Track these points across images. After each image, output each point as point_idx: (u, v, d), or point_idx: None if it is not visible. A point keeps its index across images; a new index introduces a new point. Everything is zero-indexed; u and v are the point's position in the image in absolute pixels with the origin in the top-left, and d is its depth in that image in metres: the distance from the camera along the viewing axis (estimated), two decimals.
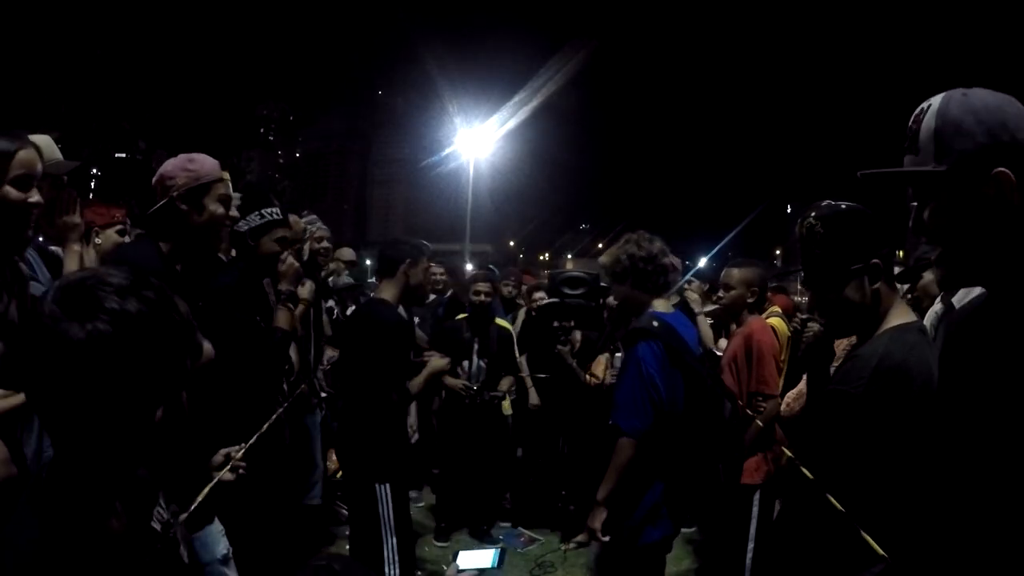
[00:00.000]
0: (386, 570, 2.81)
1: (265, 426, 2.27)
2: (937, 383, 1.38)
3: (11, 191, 1.61)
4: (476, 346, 4.55)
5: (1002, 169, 0.99)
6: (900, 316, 1.54)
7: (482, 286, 4.59)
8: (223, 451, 1.95)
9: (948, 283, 1.13)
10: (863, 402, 1.40)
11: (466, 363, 4.51)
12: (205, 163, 2.20)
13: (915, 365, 1.43)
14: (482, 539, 4.57)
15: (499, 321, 4.75)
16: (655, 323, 2.52)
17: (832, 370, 2.05)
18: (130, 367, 0.85)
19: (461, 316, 4.74)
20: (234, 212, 2.36)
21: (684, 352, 2.54)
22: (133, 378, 0.86)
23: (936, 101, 1.08)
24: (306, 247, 3.95)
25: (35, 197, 1.65)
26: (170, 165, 2.19)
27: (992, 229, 1.02)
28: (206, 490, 1.94)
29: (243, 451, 1.99)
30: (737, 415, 3.18)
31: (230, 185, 2.29)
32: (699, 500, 2.77)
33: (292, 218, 3.24)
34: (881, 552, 1.12)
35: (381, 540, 2.80)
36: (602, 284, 4.01)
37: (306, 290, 2.96)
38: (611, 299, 3.95)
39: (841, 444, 1.41)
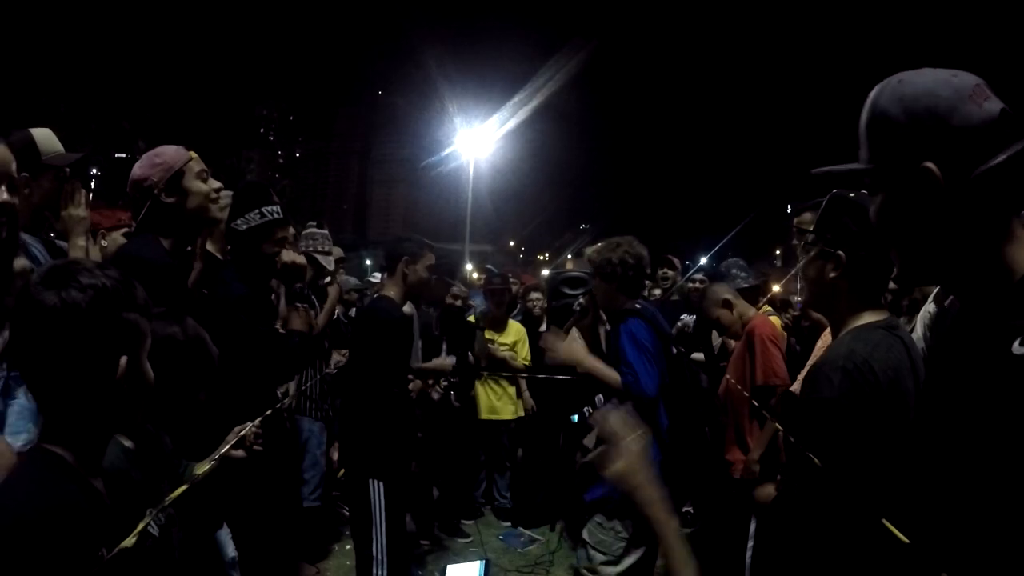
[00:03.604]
0: (374, 570, 2.75)
1: (269, 411, 2.28)
2: (921, 391, 1.37)
3: None
4: (445, 344, 4.67)
5: (926, 164, 0.91)
6: (869, 316, 1.52)
7: (458, 290, 5.00)
8: (236, 429, 1.97)
9: (902, 280, 1.12)
10: (839, 404, 1.38)
11: (435, 360, 4.52)
12: (169, 152, 2.17)
13: (879, 362, 1.40)
14: (453, 534, 4.59)
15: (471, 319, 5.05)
16: (636, 304, 2.84)
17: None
18: (97, 333, 0.99)
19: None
20: (215, 183, 2.25)
21: (663, 330, 2.83)
22: (99, 343, 1.00)
23: (873, 92, 1.00)
24: (332, 257, 3.97)
25: (3, 196, 1.60)
26: (138, 169, 2.15)
27: (929, 226, 0.95)
28: (212, 465, 1.96)
29: (257, 426, 2.01)
30: (714, 387, 3.39)
31: (200, 160, 2.23)
32: (694, 476, 2.97)
33: None
34: (903, 538, 1.11)
35: (371, 538, 2.75)
36: None
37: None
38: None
39: (829, 451, 1.39)
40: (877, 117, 0.97)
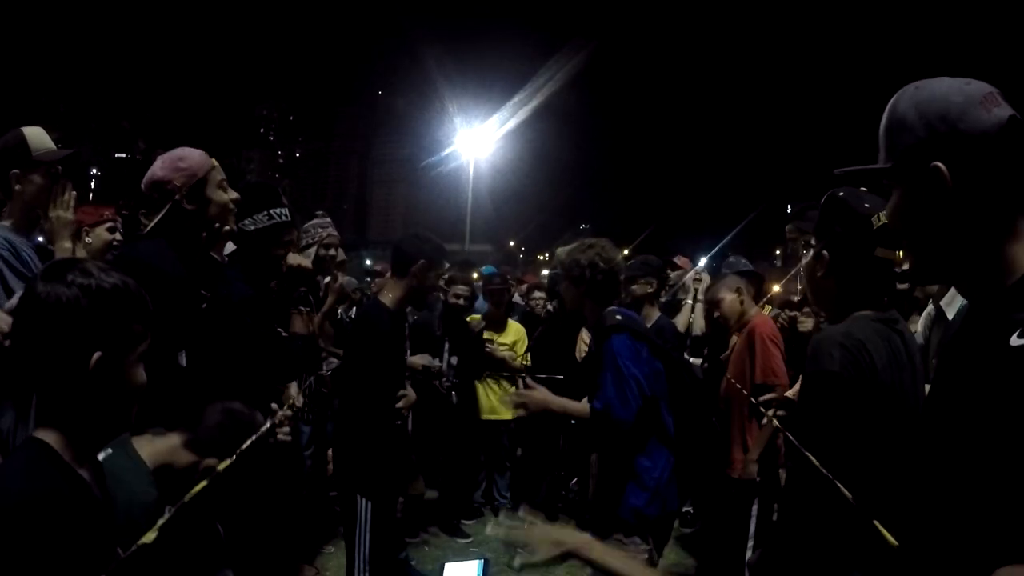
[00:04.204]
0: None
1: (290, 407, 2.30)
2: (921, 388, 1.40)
3: None
4: (447, 344, 4.59)
5: (935, 163, 0.96)
6: (864, 313, 1.55)
7: (461, 289, 4.63)
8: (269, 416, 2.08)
9: (915, 278, 1.15)
10: (841, 378, 1.41)
11: (437, 360, 4.46)
12: (194, 157, 2.14)
13: (874, 346, 1.44)
14: (453, 534, 4.62)
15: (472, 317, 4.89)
16: (618, 316, 2.62)
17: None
18: (74, 327, 1.07)
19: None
20: (233, 194, 2.24)
21: (648, 336, 2.65)
22: (75, 337, 1.07)
23: (893, 98, 1.06)
24: (312, 250, 3.81)
25: None
26: (161, 170, 2.11)
27: (939, 225, 1.00)
28: (231, 460, 2.00)
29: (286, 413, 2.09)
30: (712, 378, 3.34)
31: (220, 168, 2.21)
32: (703, 470, 2.81)
33: None
34: (892, 540, 1.12)
35: (354, 546, 2.74)
36: None
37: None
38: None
39: (830, 424, 1.41)
40: (895, 121, 1.04)
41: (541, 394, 2.67)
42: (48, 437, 1.09)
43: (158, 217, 2.10)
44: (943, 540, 0.92)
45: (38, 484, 1.03)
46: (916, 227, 1.04)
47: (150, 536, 1.35)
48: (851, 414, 1.39)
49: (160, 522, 1.46)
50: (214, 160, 2.19)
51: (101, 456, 1.47)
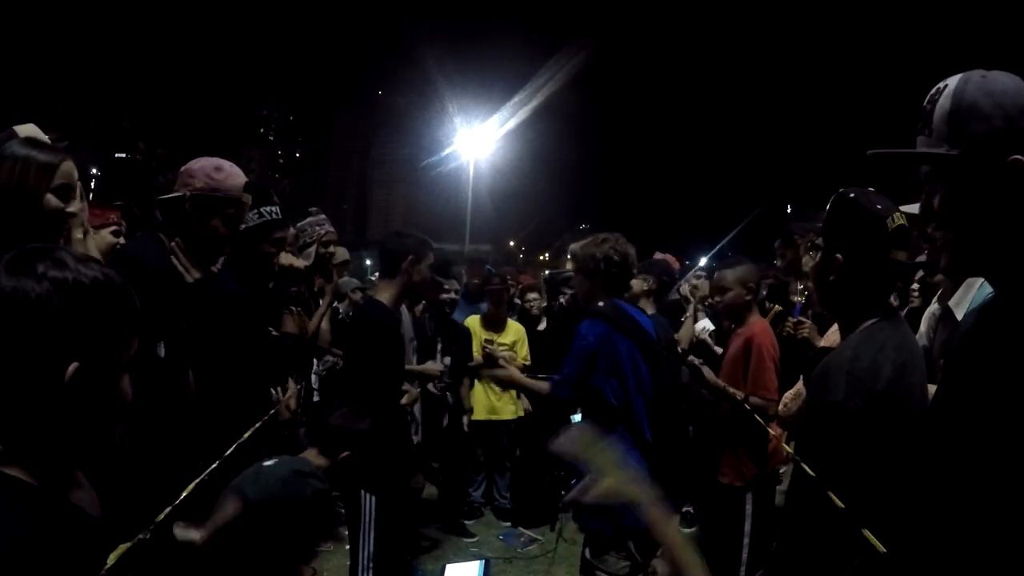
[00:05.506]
0: (360, 575, 2.76)
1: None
2: (939, 387, 1.40)
3: (52, 200, 1.69)
4: (440, 344, 4.58)
5: (1018, 156, 0.96)
6: (874, 316, 1.53)
7: (451, 284, 4.75)
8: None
9: (954, 271, 1.11)
10: (843, 409, 1.39)
11: (430, 362, 4.40)
12: (230, 177, 2.13)
13: (884, 365, 1.43)
14: (460, 533, 4.64)
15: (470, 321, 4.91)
16: (600, 304, 2.70)
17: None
18: (44, 330, 0.87)
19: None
20: (235, 234, 2.21)
21: (633, 330, 2.69)
22: (45, 342, 0.87)
23: (953, 81, 1.03)
24: (312, 250, 3.77)
25: (72, 207, 1.74)
26: (197, 164, 2.13)
27: (1003, 218, 0.99)
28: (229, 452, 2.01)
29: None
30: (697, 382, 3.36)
31: (246, 208, 2.21)
32: (685, 481, 2.88)
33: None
34: (881, 548, 1.12)
35: (358, 544, 2.74)
36: None
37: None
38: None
39: (837, 453, 1.40)
40: (964, 107, 1.01)
41: (507, 372, 2.99)
42: (20, 472, 0.89)
43: (164, 197, 2.12)
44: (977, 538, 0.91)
45: (13, 534, 0.83)
46: (973, 217, 1.01)
47: (168, 515, 1.39)
48: (856, 444, 1.37)
49: (160, 516, 1.48)
50: (247, 199, 2.18)
51: (268, 462, 1.50)
